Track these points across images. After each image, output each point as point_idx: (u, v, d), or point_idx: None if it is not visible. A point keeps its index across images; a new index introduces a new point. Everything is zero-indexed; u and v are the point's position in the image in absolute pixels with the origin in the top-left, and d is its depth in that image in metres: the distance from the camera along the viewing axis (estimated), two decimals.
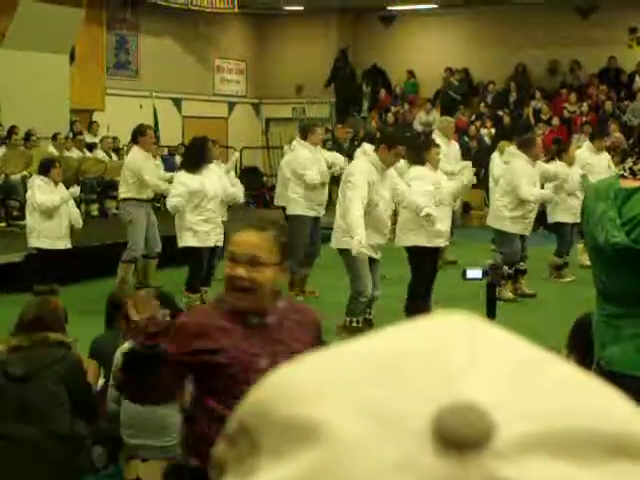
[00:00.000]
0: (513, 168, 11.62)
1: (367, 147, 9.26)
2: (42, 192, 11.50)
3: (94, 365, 6.76)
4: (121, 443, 6.22)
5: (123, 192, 12.18)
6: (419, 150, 10.30)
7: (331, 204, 12.34)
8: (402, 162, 10.00)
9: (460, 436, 0.51)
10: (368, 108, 26.25)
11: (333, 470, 0.52)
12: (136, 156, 12.17)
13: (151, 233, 12.17)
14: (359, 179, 8.88)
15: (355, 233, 8.63)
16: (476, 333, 0.58)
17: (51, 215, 11.53)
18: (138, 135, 12.20)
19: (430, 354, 0.55)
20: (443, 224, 10.01)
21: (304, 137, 12.01)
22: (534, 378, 0.55)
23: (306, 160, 11.73)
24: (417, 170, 10.07)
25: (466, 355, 0.55)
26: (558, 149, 13.85)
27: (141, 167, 11.87)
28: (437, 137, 12.98)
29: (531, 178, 11.50)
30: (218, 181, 10.98)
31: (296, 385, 0.56)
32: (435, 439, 0.51)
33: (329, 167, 12.07)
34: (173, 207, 10.63)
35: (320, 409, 0.54)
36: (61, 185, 11.79)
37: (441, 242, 10.18)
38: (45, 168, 11.74)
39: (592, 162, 14.00)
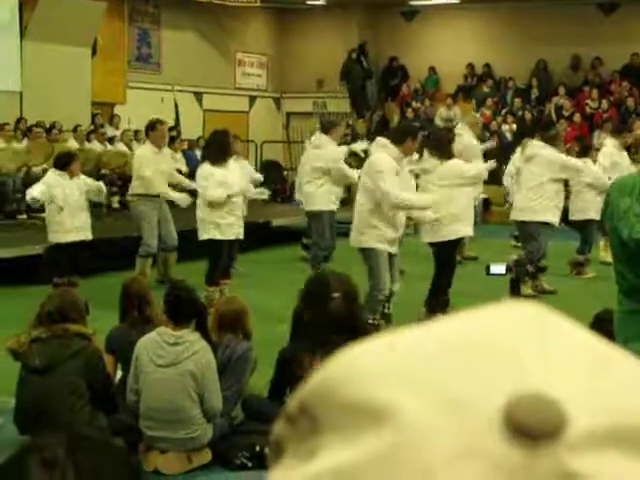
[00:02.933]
0: (549, 154, 11.53)
1: (384, 141, 9.23)
2: (56, 185, 11.44)
3: (110, 359, 6.77)
4: (140, 435, 6.24)
5: (132, 187, 12.24)
6: (447, 145, 10.22)
7: (350, 200, 12.40)
8: (431, 162, 9.99)
9: (532, 426, 0.51)
10: (374, 106, 26.24)
11: (401, 454, 0.52)
12: (141, 152, 12.30)
13: (166, 228, 12.17)
14: (387, 171, 8.93)
15: (420, 207, 9.26)
16: (547, 323, 0.57)
17: (65, 208, 11.47)
18: (149, 130, 12.21)
19: (501, 343, 0.55)
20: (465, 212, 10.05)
21: (326, 133, 12.06)
22: (605, 373, 0.55)
23: (336, 153, 11.89)
24: (456, 164, 10.07)
25: (538, 345, 0.55)
26: (582, 146, 13.79)
27: (141, 163, 11.92)
28: (464, 132, 12.98)
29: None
30: (241, 176, 11.00)
31: (365, 367, 0.56)
32: (506, 427, 0.51)
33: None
34: (215, 201, 10.55)
35: (389, 393, 0.54)
36: (77, 178, 11.70)
37: (467, 231, 10.15)
38: (62, 163, 11.66)
39: (619, 159, 13.95)
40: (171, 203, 12.15)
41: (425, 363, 0.55)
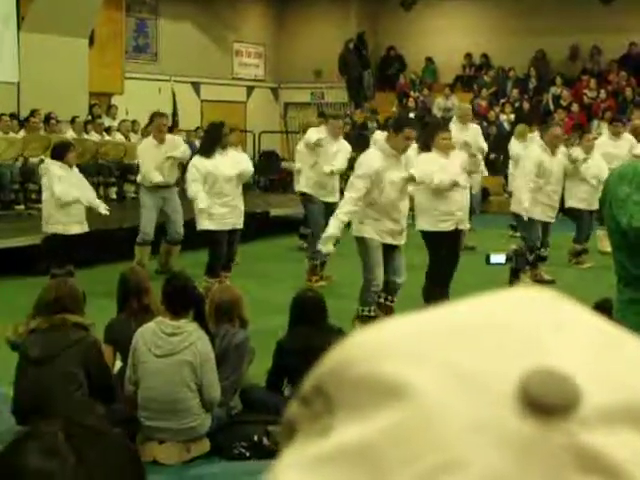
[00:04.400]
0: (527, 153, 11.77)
1: (376, 134, 9.28)
2: (62, 182, 11.44)
3: (109, 350, 6.77)
4: (138, 425, 6.23)
5: (139, 178, 12.57)
6: (425, 136, 10.23)
7: None
8: (411, 152, 9.91)
9: (547, 401, 0.51)
10: (368, 96, 26.26)
11: (416, 428, 0.52)
12: (141, 146, 12.66)
13: (171, 220, 12.22)
14: (359, 177, 8.99)
15: (328, 229, 9.12)
16: (559, 305, 0.58)
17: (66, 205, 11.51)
18: (149, 123, 12.59)
19: (515, 322, 0.56)
20: (451, 206, 9.98)
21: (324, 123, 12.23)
22: (618, 352, 0.56)
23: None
24: (423, 157, 10.00)
25: (551, 325, 0.56)
26: (579, 136, 13.85)
27: (139, 156, 12.42)
28: (454, 123, 13.05)
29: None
30: (234, 165, 11.01)
31: (379, 345, 0.57)
32: (520, 402, 0.52)
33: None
34: (191, 195, 10.83)
35: (404, 369, 0.54)
36: (75, 169, 11.74)
37: (449, 226, 10.04)
38: (60, 153, 11.69)
39: (612, 148, 13.94)
40: (182, 194, 12.23)
41: (439, 341, 0.56)
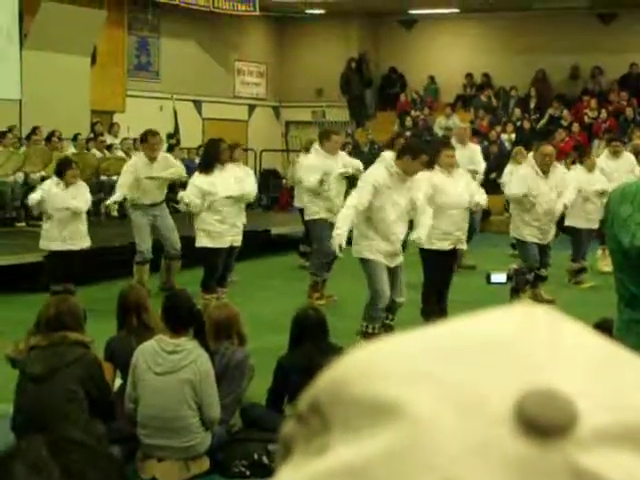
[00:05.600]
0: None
1: (386, 154, 9.26)
2: (49, 196, 11.45)
3: (109, 367, 6.75)
4: (138, 443, 6.22)
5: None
6: (429, 154, 10.21)
7: None
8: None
9: (544, 421, 0.51)
10: (369, 115, 26.32)
11: (413, 449, 0.52)
12: (131, 161, 12.67)
13: (166, 236, 12.19)
14: (364, 184, 9.01)
15: (336, 227, 8.96)
16: (557, 324, 0.58)
17: (55, 216, 11.47)
18: (141, 141, 12.59)
19: (511, 341, 0.55)
20: (450, 226, 9.99)
21: (320, 143, 12.02)
22: (616, 372, 0.55)
23: (310, 167, 11.77)
24: (421, 174, 10.00)
25: (548, 344, 0.55)
26: (579, 155, 13.83)
27: (124, 170, 12.25)
28: (454, 142, 13.09)
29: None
30: (234, 183, 11.02)
31: (374, 364, 0.56)
32: (517, 423, 0.51)
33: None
34: (184, 206, 10.97)
35: (401, 389, 0.54)
36: (74, 186, 11.66)
37: (447, 245, 10.06)
38: (59, 170, 11.72)
39: (610, 168, 13.92)
40: (173, 211, 12.23)
41: (435, 360, 0.55)
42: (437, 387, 0.54)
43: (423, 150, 9.31)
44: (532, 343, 0.55)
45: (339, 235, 8.85)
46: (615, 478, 0.51)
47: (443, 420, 0.52)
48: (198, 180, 10.87)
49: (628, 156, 14.68)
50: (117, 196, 12.07)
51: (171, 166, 12.25)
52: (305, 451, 0.57)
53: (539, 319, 0.58)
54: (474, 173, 12.62)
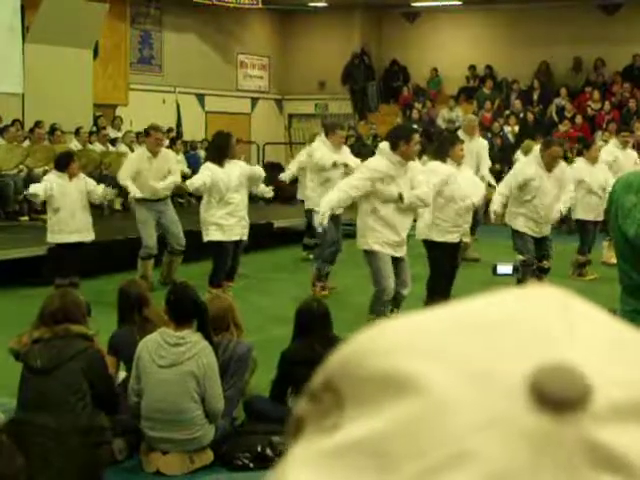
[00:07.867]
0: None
1: (383, 145, 9.27)
2: (53, 189, 11.46)
3: (113, 360, 6.76)
4: (142, 436, 6.22)
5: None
6: (442, 147, 10.26)
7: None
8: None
9: (558, 395, 0.51)
10: (372, 107, 26.28)
11: (427, 422, 0.52)
12: (133, 155, 12.67)
13: (171, 231, 12.17)
14: (364, 173, 9.06)
15: (322, 206, 9.13)
16: (570, 302, 0.58)
17: (62, 209, 11.49)
18: (145, 136, 12.51)
19: (526, 317, 0.56)
20: (459, 219, 10.00)
21: (326, 135, 12.09)
22: (629, 349, 0.56)
23: (326, 151, 11.84)
24: (433, 164, 10.06)
25: (562, 320, 0.56)
26: (582, 147, 13.83)
27: (126, 162, 12.28)
28: (461, 134, 13.07)
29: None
30: (241, 175, 11.03)
31: (389, 340, 0.57)
32: (531, 397, 0.52)
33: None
34: (195, 188, 10.90)
35: (414, 364, 0.54)
36: (77, 179, 11.68)
37: (454, 238, 10.08)
38: (61, 163, 11.72)
39: (619, 158, 13.93)
40: (178, 205, 12.21)
41: (451, 336, 0.56)
42: (452, 361, 0.54)
43: (411, 130, 9.36)
44: (547, 320, 0.56)
45: (323, 215, 9.02)
46: (630, 453, 0.51)
47: (458, 393, 0.53)
48: (213, 166, 10.82)
49: (631, 152, 14.68)
50: (134, 190, 11.86)
51: (170, 165, 12.18)
52: (318, 429, 0.57)
53: (554, 297, 0.58)
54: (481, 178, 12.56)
